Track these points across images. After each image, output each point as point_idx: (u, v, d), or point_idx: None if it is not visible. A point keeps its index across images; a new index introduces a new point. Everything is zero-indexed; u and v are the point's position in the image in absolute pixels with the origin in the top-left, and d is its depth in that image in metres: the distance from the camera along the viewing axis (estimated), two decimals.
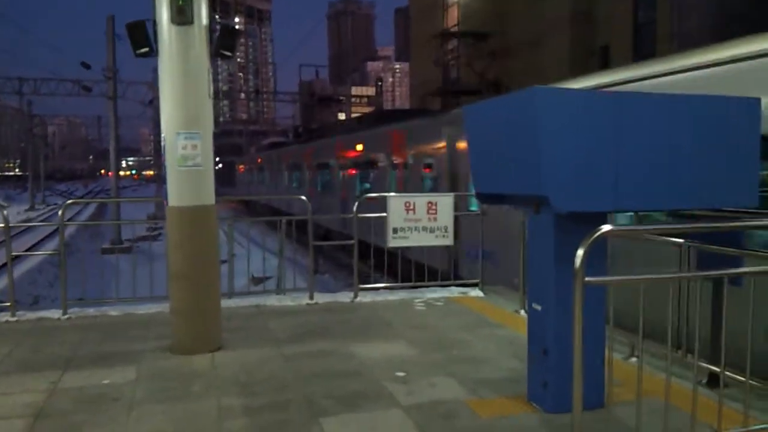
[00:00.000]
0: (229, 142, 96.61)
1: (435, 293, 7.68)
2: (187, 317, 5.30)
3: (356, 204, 7.44)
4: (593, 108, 3.61)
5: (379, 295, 7.61)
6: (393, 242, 7.39)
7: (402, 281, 8.14)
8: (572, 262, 2.98)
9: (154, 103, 33.06)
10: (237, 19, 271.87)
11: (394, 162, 16.88)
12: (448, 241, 7.58)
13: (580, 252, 2.97)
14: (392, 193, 7.53)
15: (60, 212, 6.85)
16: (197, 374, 4.80)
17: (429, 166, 14.70)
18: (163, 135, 5.21)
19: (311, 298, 7.29)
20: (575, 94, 3.74)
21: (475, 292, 7.74)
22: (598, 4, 22.48)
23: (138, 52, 5.17)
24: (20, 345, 5.64)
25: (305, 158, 28.25)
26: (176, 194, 5.21)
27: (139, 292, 7.31)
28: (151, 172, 43.07)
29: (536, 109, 3.50)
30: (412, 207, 7.38)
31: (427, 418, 3.93)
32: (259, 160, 43.22)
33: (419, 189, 14.61)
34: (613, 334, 3.70)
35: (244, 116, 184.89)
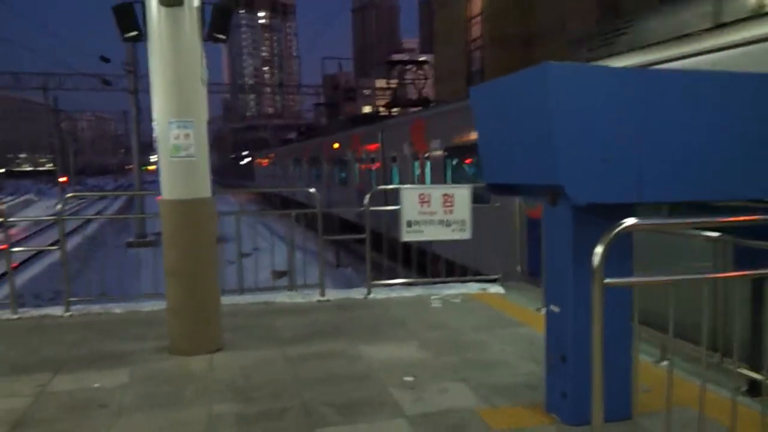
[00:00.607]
0: (255, 137, 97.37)
1: (453, 290, 7.30)
2: (183, 317, 5.02)
3: (368, 196, 7.09)
4: (616, 85, 3.20)
5: (393, 291, 7.27)
6: (407, 236, 7.04)
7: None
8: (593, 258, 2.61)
9: None
10: (261, 14, 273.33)
11: (356, 158, 21.88)
12: (466, 234, 7.20)
13: (598, 249, 2.60)
14: (406, 185, 7.16)
15: (59, 206, 6.63)
16: (192, 378, 4.51)
17: (373, 160, 19.61)
18: (154, 124, 4.92)
19: (322, 294, 6.98)
20: (594, 71, 3.33)
21: (495, 289, 7.35)
22: None
23: (126, 36, 4.88)
24: (16, 344, 5.43)
25: (304, 154, 34.15)
26: (169, 186, 4.92)
27: (145, 289, 7.08)
28: None
29: (549, 88, 3.11)
30: (426, 199, 7.02)
31: (434, 429, 3.58)
32: (273, 156, 50.24)
33: (368, 180, 19.68)
34: (643, 334, 3.31)
35: (271, 110, 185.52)
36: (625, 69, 3.31)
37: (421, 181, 15.29)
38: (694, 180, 3.28)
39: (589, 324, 2.73)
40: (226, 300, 6.70)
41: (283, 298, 6.92)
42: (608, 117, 3.15)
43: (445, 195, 7.09)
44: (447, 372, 4.53)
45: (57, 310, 6.56)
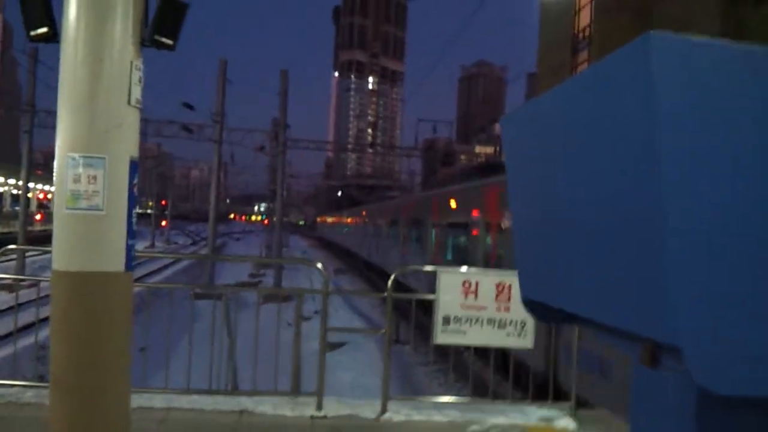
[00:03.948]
0: (348, 195, 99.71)
1: (503, 417, 5.25)
2: None
3: (391, 280, 5.27)
4: None
5: (419, 410, 5.32)
6: (442, 337, 5.15)
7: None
8: None
9: (265, 150, 32.80)
10: (371, 79, 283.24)
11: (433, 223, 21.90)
12: (527, 342, 5.22)
13: None
14: (446, 268, 5.31)
15: None
16: None
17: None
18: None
19: (319, 408, 5.13)
20: None
21: (565, 421, 5.24)
22: None
23: (33, 33, 3.44)
24: None
25: (353, 218, 42.89)
26: (63, 251, 3.34)
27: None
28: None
29: (658, 100, 1.26)
30: (473, 289, 5.13)
31: None
32: (323, 218, 70.38)
33: (428, 245, 19.25)
34: None
35: (369, 170, 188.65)
36: None
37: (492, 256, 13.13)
38: None
39: None
40: (191, 403, 5.04)
41: (266, 407, 5.11)
42: None
43: (499, 285, 5.18)
44: None
45: None
